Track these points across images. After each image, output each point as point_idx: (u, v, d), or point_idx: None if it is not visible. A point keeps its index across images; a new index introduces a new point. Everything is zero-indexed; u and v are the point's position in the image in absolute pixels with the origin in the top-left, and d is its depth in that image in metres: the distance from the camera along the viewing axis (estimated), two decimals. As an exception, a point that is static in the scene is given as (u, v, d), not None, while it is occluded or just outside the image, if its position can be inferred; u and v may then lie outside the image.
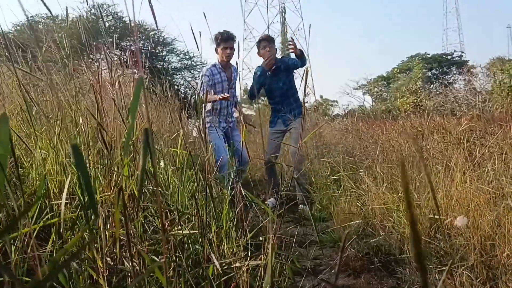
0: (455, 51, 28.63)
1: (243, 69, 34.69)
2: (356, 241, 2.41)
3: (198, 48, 1.88)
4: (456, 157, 2.60)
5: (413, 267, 2.01)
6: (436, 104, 9.39)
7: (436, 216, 2.15)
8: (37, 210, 1.08)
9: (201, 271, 1.24)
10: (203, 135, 1.46)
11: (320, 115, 12.14)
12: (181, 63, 14.76)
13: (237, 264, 1.07)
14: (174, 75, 14.28)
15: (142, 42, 13.52)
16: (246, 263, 1.06)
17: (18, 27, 12.17)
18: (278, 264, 1.29)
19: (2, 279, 1.02)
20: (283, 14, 39.20)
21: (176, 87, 13.35)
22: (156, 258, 1.13)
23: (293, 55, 4.10)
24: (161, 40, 14.34)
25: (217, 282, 1.07)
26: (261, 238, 1.18)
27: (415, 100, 10.03)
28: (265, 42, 4.08)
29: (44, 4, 1.31)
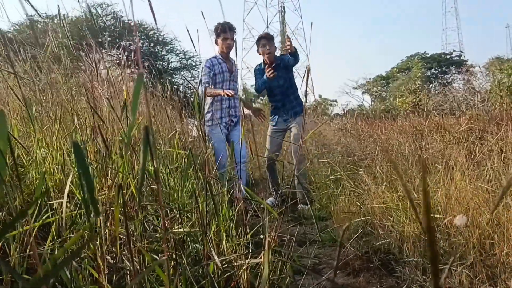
0: (454, 50, 28.66)
1: (242, 68, 34.70)
2: (355, 240, 2.41)
3: (194, 47, 1.87)
4: (455, 156, 2.60)
5: (412, 266, 2.01)
6: (435, 103, 9.40)
7: (436, 215, 2.15)
8: (37, 209, 1.08)
9: (201, 270, 1.25)
10: (202, 134, 1.46)
11: (319, 114, 12.15)
12: (180, 63, 14.76)
13: (238, 262, 1.07)
14: (174, 75, 14.28)
15: (141, 41, 13.51)
16: (247, 261, 1.06)
17: (18, 26, 12.16)
18: (278, 263, 1.29)
19: (1, 277, 1.02)
20: (283, 13, 39.19)
21: (175, 86, 13.34)
22: (156, 257, 1.13)
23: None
24: (160, 39, 14.35)
25: (218, 280, 1.07)
26: (261, 236, 1.18)
27: (414, 100, 10.04)
28: (264, 40, 4.05)
29: (31, 5, 1.30)
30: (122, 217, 0.78)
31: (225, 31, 3.77)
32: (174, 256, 0.99)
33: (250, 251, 1.35)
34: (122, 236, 1.11)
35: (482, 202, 2.07)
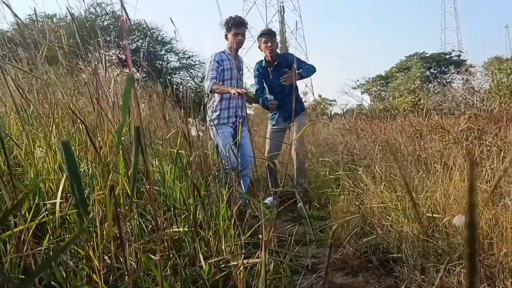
0: (453, 50, 28.66)
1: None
2: (354, 239, 2.41)
3: (175, 33, 1.85)
4: (454, 156, 2.60)
5: (411, 266, 2.01)
6: (434, 103, 9.40)
7: (435, 215, 2.15)
8: (33, 209, 1.08)
9: (197, 270, 1.24)
10: (209, 133, 1.46)
11: (318, 114, 12.14)
12: (179, 62, 14.75)
13: (234, 263, 1.06)
14: (173, 74, 14.27)
15: (140, 41, 13.51)
16: (244, 261, 1.05)
17: (16, 26, 12.14)
18: (276, 263, 1.29)
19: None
20: (282, 13, 39.16)
21: (174, 86, 13.33)
22: (153, 257, 1.13)
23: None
24: (159, 39, 14.34)
25: (215, 279, 1.07)
26: (260, 236, 1.18)
27: (413, 99, 10.05)
28: (266, 36, 3.94)
29: (10, 9, 1.29)
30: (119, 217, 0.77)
31: (237, 26, 3.58)
32: (170, 256, 0.99)
33: (249, 251, 1.35)
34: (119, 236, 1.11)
35: (481, 202, 2.07)
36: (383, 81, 23.94)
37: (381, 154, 3.45)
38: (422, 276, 1.90)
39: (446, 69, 25.38)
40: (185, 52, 14.65)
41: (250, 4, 42.30)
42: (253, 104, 6.16)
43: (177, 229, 1.13)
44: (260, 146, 5.70)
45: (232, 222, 1.40)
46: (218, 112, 3.63)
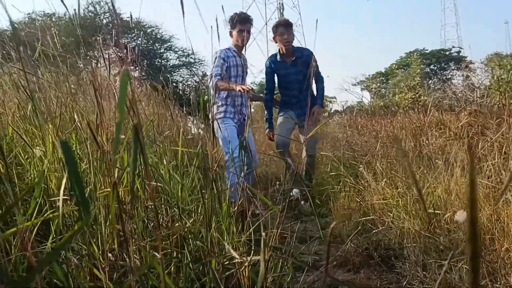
0: (453, 46, 28.63)
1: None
2: (355, 236, 2.41)
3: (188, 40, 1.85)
4: (455, 152, 2.60)
5: (413, 262, 2.02)
6: (434, 99, 9.40)
7: (436, 211, 2.15)
8: (36, 208, 1.08)
9: (201, 267, 1.25)
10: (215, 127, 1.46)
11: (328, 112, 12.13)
12: (179, 60, 14.74)
13: (238, 260, 1.07)
14: (172, 72, 14.27)
15: (139, 39, 13.49)
16: (248, 258, 1.06)
17: (16, 25, 12.13)
18: (279, 260, 1.29)
19: None
20: (281, 10, 39.11)
21: (174, 84, 13.33)
22: (157, 254, 1.13)
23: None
24: (158, 37, 14.32)
25: (219, 277, 1.07)
26: (264, 233, 1.18)
27: (413, 96, 10.05)
28: (282, 28, 3.68)
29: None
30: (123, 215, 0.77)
31: (242, 22, 3.45)
32: (175, 254, 0.99)
33: (250, 248, 1.35)
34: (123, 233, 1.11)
35: (482, 197, 2.07)
36: (383, 78, 23.91)
37: (382, 151, 3.45)
38: (424, 272, 1.91)
39: (446, 66, 25.36)
40: (184, 50, 14.63)
41: (249, 1, 42.24)
42: (253, 102, 6.08)
43: (183, 226, 1.13)
44: (260, 143, 5.69)
45: (234, 219, 1.41)
46: (224, 108, 3.51)
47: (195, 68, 14.60)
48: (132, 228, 1.09)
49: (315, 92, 3.87)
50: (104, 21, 13.20)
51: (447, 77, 21.15)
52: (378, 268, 2.14)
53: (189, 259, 1.04)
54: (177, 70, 14.54)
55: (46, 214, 1.06)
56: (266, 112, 3.94)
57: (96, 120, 1.10)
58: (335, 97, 22.34)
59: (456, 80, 18.46)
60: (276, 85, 3.96)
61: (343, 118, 7.49)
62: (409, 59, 24.02)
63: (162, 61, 14.19)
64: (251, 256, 1.03)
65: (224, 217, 1.32)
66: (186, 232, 1.23)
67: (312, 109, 3.65)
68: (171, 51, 14.52)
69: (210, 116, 3.33)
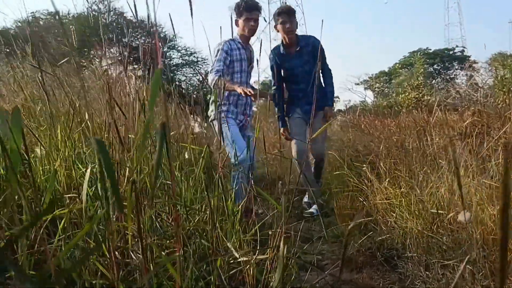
0: (457, 46, 28.55)
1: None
2: (358, 236, 2.42)
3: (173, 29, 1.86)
4: (459, 152, 2.60)
5: (415, 262, 2.02)
6: (438, 99, 9.39)
7: (439, 211, 2.15)
8: (45, 204, 1.09)
9: (205, 266, 1.26)
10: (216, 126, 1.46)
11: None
12: (182, 59, 14.78)
13: (244, 258, 1.08)
14: (176, 71, 14.30)
15: (143, 38, 13.52)
16: (254, 257, 1.07)
17: (20, 24, 12.18)
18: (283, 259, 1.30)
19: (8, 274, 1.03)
20: (284, 9, 38.91)
21: (177, 83, 13.37)
22: (162, 253, 1.14)
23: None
24: (162, 36, 14.35)
25: (224, 276, 1.08)
26: (270, 232, 1.19)
27: (416, 96, 10.03)
28: (285, 15, 3.33)
29: None
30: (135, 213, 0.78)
31: (249, 10, 3.11)
32: (182, 252, 1.00)
33: (254, 247, 1.36)
34: (127, 232, 1.12)
35: (486, 197, 2.07)
36: (386, 78, 23.88)
37: (386, 151, 3.44)
38: (427, 272, 1.91)
39: (449, 65, 25.29)
40: (188, 49, 14.66)
41: (252, 0, 42.00)
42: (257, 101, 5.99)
43: (190, 224, 1.15)
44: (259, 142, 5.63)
45: (238, 218, 1.42)
46: (226, 107, 3.21)
47: (198, 67, 14.62)
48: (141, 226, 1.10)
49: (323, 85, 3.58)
50: (108, 20, 13.23)
51: (451, 76, 21.09)
52: (381, 268, 2.15)
53: (194, 258, 1.05)
54: (180, 69, 14.57)
55: (60, 210, 1.07)
56: (276, 109, 3.62)
57: (106, 119, 1.11)
58: (338, 97, 22.32)
59: (460, 79, 18.42)
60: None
61: (346, 118, 7.49)
62: (412, 58, 23.99)
63: (166, 60, 14.21)
64: (256, 255, 1.04)
65: (229, 216, 1.33)
66: (191, 230, 1.24)
67: (324, 110, 3.41)
68: (174, 50, 14.55)
69: (212, 115, 3.16)
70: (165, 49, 14.38)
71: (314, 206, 3.48)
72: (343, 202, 3.13)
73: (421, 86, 11.34)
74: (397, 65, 24.56)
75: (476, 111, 4.86)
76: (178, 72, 14.36)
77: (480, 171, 2.39)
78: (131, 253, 0.95)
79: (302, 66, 3.37)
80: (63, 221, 1.01)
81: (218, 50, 3.09)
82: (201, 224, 1.34)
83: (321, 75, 3.53)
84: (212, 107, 3.28)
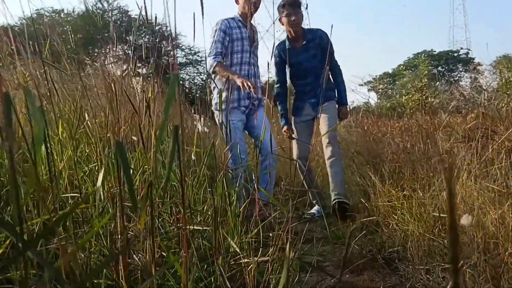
0: (461, 48, 28.46)
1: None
2: (359, 238, 2.42)
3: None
4: (462, 155, 2.60)
5: (416, 265, 2.02)
6: (442, 101, 9.36)
7: (441, 215, 2.15)
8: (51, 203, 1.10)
9: (205, 266, 1.26)
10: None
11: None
12: (186, 58, 14.79)
13: (246, 260, 1.08)
14: (179, 70, 14.31)
15: (147, 36, 13.54)
16: (256, 259, 1.07)
17: (24, 21, 12.24)
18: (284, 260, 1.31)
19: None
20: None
21: (181, 82, 13.39)
22: (163, 253, 1.15)
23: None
24: (166, 34, 14.36)
25: (227, 276, 1.09)
26: (271, 234, 1.19)
27: (420, 97, 10.00)
28: (289, 7, 3.13)
29: None
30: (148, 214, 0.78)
31: None
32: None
33: (255, 248, 1.37)
34: (130, 233, 1.13)
35: (488, 201, 2.07)
36: (390, 79, 23.84)
37: (391, 155, 3.43)
38: (427, 276, 1.91)
39: (454, 67, 25.23)
40: (191, 48, 14.67)
41: (257, 0, 41.99)
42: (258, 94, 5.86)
43: (193, 226, 1.15)
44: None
45: (240, 220, 1.42)
46: (225, 93, 2.84)
47: (202, 66, 14.63)
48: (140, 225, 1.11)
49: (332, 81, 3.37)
50: (113, 18, 13.25)
51: (455, 78, 21.04)
52: (381, 270, 2.15)
53: (196, 258, 1.06)
54: (184, 68, 14.58)
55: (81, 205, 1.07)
56: (279, 108, 3.43)
57: (107, 118, 1.12)
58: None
59: (464, 82, 18.36)
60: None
61: (349, 118, 7.48)
62: (416, 60, 23.94)
63: (169, 58, 14.23)
64: (258, 257, 1.05)
65: (231, 217, 1.34)
66: (192, 231, 1.24)
67: (339, 109, 3.25)
68: (178, 49, 14.56)
69: (213, 105, 2.92)
70: (169, 48, 14.39)
71: (316, 207, 3.43)
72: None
73: (425, 88, 11.30)
74: (401, 66, 24.51)
75: (479, 114, 4.86)
76: (181, 71, 14.37)
77: (483, 174, 2.39)
78: (133, 253, 0.96)
79: (308, 61, 3.19)
80: (69, 220, 1.02)
81: (216, 31, 2.84)
82: (204, 224, 1.35)
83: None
84: (214, 94, 3.04)
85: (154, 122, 1.17)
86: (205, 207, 1.42)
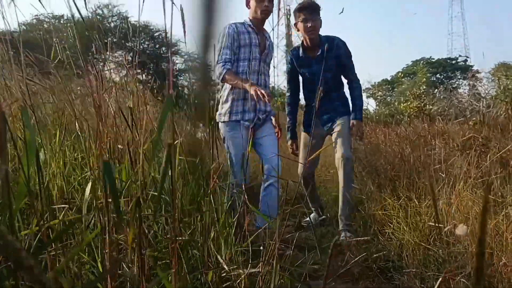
0: (460, 55, 28.61)
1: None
2: (355, 247, 2.42)
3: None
4: (460, 165, 2.61)
5: (411, 274, 2.02)
6: (440, 108, 9.38)
7: (437, 224, 2.15)
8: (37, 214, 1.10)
9: (199, 276, 1.26)
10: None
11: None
12: (185, 65, 14.84)
13: (238, 271, 1.08)
14: (179, 76, 14.35)
15: (146, 43, 13.61)
16: (246, 270, 1.07)
17: (24, 26, 12.28)
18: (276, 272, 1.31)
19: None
20: (288, 16, 39.18)
21: (180, 88, 13.43)
22: (157, 266, 1.14)
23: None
24: (165, 41, 14.41)
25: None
26: (260, 247, 1.19)
27: (418, 105, 10.03)
28: (306, 12, 2.86)
29: None
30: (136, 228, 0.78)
31: None
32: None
33: (246, 260, 1.36)
34: (121, 242, 1.13)
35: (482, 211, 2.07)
36: (389, 86, 23.92)
37: (388, 164, 3.43)
38: (422, 285, 1.91)
39: (452, 75, 25.33)
40: (191, 54, 14.72)
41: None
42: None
43: (184, 237, 1.15)
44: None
45: (232, 231, 1.41)
46: (229, 104, 2.61)
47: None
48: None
49: (347, 95, 3.13)
50: (112, 24, 13.32)
51: (453, 86, 21.12)
52: (377, 280, 2.14)
53: (186, 269, 1.06)
54: (183, 74, 14.62)
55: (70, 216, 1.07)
56: (288, 119, 3.24)
57: (97, 129, 1.12)
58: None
59: (462, 89, 18.42)
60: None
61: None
62: (415, 67, 24.04)
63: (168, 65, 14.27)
64: (248, 269, 1.04)
65: (222, 228, 1.33)
66: (183, 242, 1.24)
67: (351, 123, 2.92)
68: (177, 55, 14.61)
69: (217, 116, 2.76)
70: (168, 54, 14.44)
71: (313, 215, 3.41)
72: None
73: (423, 95, 11.34)
74: (400, 73, 24.61)
75: (477, 121, 4.87)
76: (180, 78, 14.41)
77: (479, 184, 2.40)
78: (123, 265, 0.96)
79: (324, 73, 2.86)
80: (58, 230, 1.02)
81: (223, 36, 2.59)
82: (194, 235, 1.35)
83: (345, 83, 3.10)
84: (220, 104, 2.76)
85: (143, 136, 1.17)
86: (196, 220, 1.41)
